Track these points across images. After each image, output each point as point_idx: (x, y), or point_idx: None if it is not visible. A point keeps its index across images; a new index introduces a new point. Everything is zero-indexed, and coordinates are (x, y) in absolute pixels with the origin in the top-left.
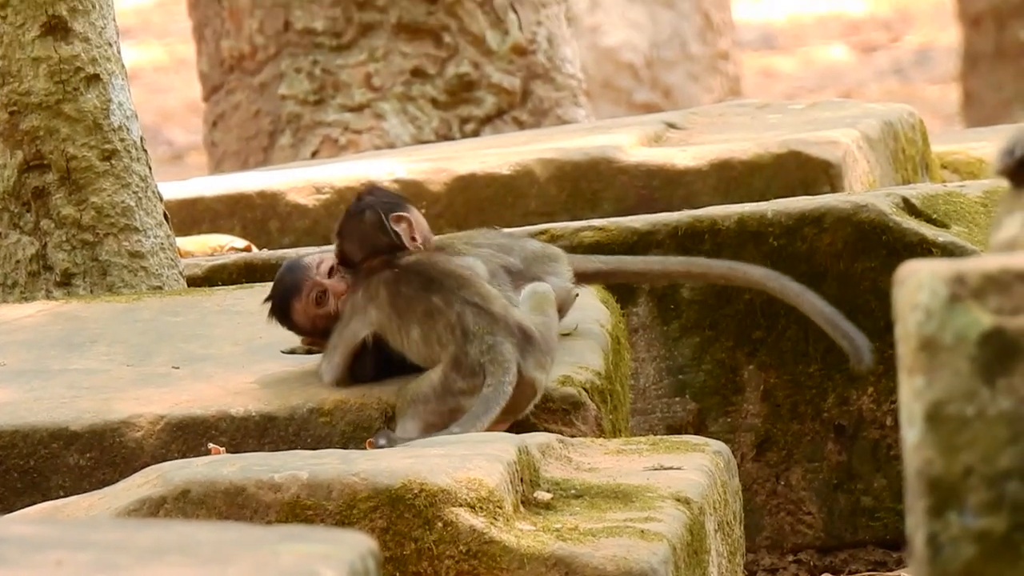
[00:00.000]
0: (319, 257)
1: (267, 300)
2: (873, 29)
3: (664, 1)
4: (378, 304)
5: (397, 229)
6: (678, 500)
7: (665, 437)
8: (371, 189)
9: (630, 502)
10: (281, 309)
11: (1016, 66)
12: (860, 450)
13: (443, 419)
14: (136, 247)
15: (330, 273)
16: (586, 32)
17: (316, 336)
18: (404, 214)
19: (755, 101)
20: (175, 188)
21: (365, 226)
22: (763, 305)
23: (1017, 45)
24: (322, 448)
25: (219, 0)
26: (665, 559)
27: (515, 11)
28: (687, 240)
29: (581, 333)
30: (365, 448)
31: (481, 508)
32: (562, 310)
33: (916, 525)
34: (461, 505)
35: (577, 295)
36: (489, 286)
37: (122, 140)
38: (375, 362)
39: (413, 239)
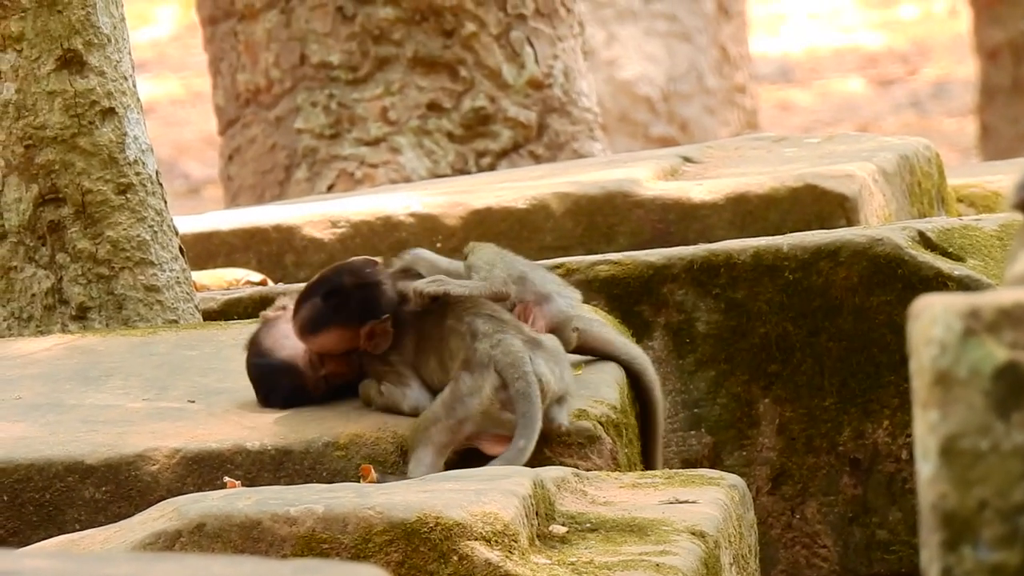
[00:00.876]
0: (293, 355)
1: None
2: (890, 62)
3: (681, 35)
4: (404, 347)
5: (402, 288)
6: (693, 534)
7: (680, 471)
8: (327, 278)
9: (645, 536)
10: None
11: None
12: (875, 484)
13: (453, 435)
14: (152, 281)
15: (323, 363)
16: (603, 66)
17: None
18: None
19: (771, 135)
20: (191, 222)
21: (374, 295)
22: (778, 339)
23: None
24: (337, 482)
25: (235, 34)
26: None
27: (531, 45)
28: (702, 274)
29: (596, 367)
30: (361, 472)
31: (496, 542)
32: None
33: (931, 559)
34: (476, 539)
35: (576, 329)
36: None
37: (137, 174)
38: None
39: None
